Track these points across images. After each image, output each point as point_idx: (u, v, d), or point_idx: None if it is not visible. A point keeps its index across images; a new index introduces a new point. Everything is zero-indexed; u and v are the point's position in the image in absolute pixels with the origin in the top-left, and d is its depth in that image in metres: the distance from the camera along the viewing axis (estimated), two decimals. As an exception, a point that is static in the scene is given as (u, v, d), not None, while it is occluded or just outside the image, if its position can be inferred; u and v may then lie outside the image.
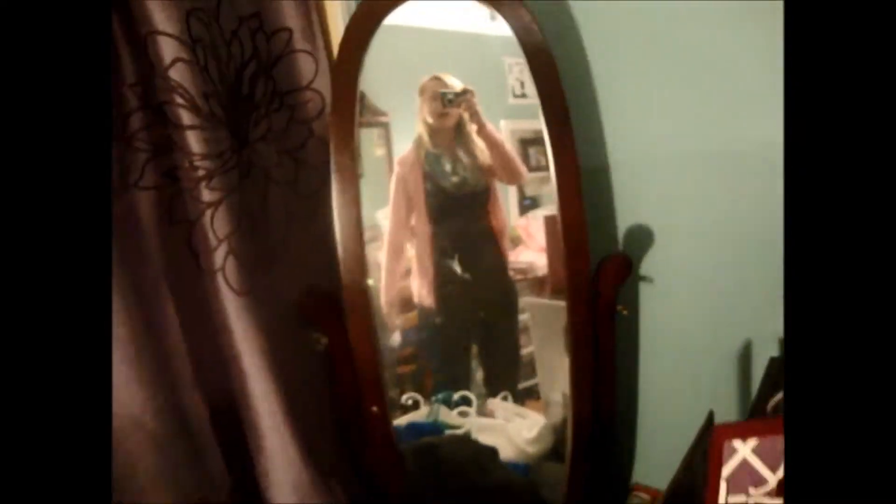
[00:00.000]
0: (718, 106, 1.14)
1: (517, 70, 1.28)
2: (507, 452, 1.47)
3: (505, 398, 1.49)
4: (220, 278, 1.15)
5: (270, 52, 1.21)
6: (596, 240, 1.26)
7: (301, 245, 1.30)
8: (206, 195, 1.11)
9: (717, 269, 1.22)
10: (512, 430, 1.50)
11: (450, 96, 1.24)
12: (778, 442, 0.74)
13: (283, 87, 1.24)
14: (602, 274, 1.22)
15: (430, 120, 1.26)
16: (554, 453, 1.46)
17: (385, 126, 1.30)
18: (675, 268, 1.28)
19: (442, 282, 1.35)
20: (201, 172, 1.10)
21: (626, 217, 1.31)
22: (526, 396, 1.49)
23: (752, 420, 0.77)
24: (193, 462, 1.18)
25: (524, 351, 1.48)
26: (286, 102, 1.25)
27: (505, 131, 1.31)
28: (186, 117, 1.06)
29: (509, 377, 1.48)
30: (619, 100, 1.25)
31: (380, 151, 1.30)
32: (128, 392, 1.06)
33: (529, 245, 1.38)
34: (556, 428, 1.45)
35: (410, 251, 1.33)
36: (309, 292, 1.24)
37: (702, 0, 1.09)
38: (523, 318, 1.44)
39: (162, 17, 1.00)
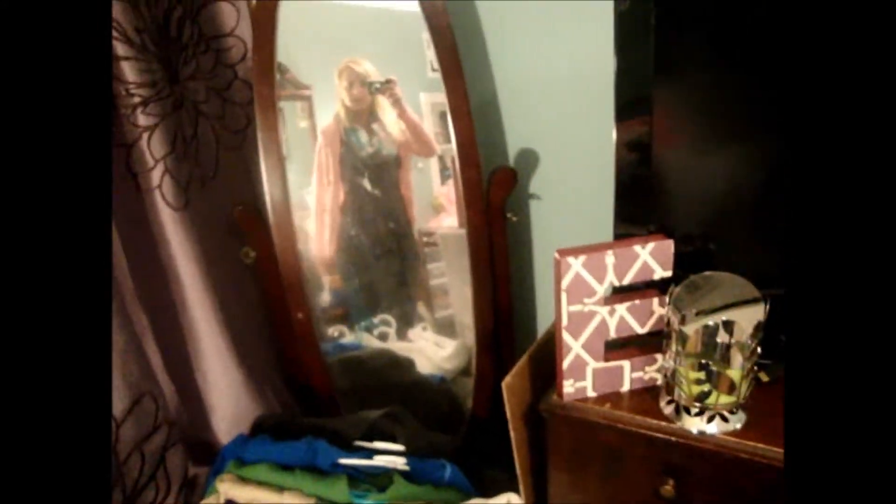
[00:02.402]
0: (588, 35, 1.35)
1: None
2: (425, 368, 1.65)
3: (424, 328, 1.67)
4: (157, 195, 1.31)
5: (194, 0, 1.38)
6: (491, 163, 1.47)
7: (231, 169, 1.47)
8: (142, 120, 1.27)
9: (590, 179, 1.44)
10: (429, 350, 1.68)
11: (376, 85, 1.42)
12: (602, 258, 0.96)
13: (207, 31, 1.41)
14: (491, 184, 1.43)
15: (347, 101, 1.44)
16: (468, 370, 1.64)
17: (308, 99, 1.45)
18: (556, 180, 1.50)
19: (357, 237, 1.54)
20: (136, 99, 1.26)
21: (515, 140, 1.52)
22: (443, 326, 1.67)
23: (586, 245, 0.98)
24: (138, 364, 1.31)
25: (438, 284, 1.66)
26: (211, 46, 1.42)
27: (425, 104, 1.48)
28: (121, 49, 1.22)
29: (426, 310, 1.65)
30: (506, 34, 1.45)
31: (303, 123, 1.45)
32: None
33: (450, 211, 1.55)
34: (470, 349, 1.63)
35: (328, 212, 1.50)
36: (237, 208, 1.41)
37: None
38: (438, 263, 1.61)
39: (97, -41, 1.16)
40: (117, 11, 1.20)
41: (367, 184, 1.52)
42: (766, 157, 1.01)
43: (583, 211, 1.47)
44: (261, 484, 1.33)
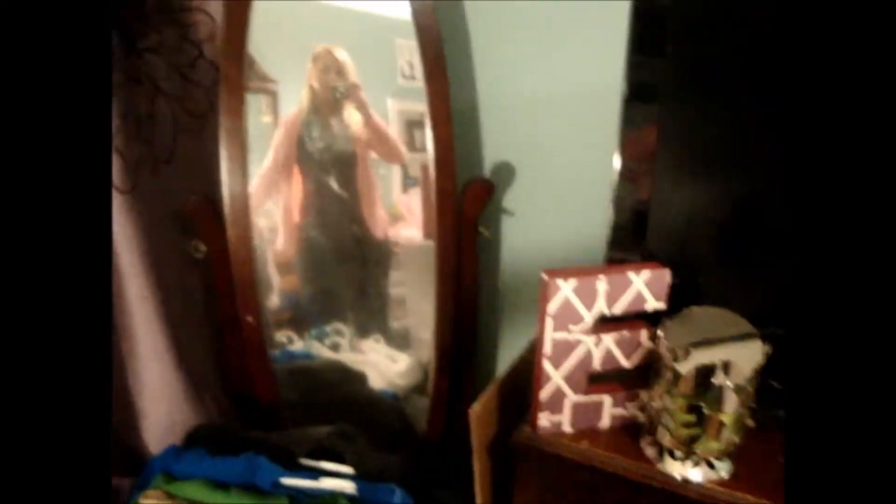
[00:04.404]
0: (571, 54, 1.30)
1: (407, 52, 1.37)
2: (377, 383, 1.56)
3: (377, 340, 1.58)
4: (103, 173, 1.18)
5: (161, -35, 1.26)
6: (464, 173, 1.39)
7: (188, 155, 1.35)
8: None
9: (566, 197, 1.38)
10: (382, 364, 1.59)
11: (340, 90, 1.34)
12: (594, 283, 0.89)
13: (173, 2, 1.29)
14: (466, 195, 1.35)
15: (316, 86, 1.34)
16: (422, 388, 1.55)
17: (273, 94, 1.36)
18: (533, 197, 1.43)
19: (309, 234, 1.44)
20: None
21: (491, 153, 1.45)
22: (397, 339, 1.58)
23: (575, 267, 0.90)
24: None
25: (395, 294, 1.57)
26: (177, 20, 1.30)
27: (392, 111, 1.41)
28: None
29: (381, 321, 1.56)
30: (490, 46, 1.38)
31: (266, 118, 1.35)
32: None
33: (410, 221, 1.48)
34: (425, 365, 1.55)
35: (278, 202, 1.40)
36: (192, 198, 1.30)
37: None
38: (397, 273, 1.52)
39: None
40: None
41: (326, 181, 1.42)
42: (770, 193, 0.96)
43: (558, 230, 1.41)
44: (191, 502, 1.21)
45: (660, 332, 0.88)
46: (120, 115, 1.19)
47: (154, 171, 1.29)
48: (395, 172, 1.46)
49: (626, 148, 0.94)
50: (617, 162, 0.94)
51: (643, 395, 0.96)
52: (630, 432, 0.97)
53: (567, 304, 0.88)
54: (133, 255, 1.24)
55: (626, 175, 0.95)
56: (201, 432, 1.35)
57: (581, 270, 0.89)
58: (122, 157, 1.20)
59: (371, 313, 1.56)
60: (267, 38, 1.28)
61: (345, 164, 1.41)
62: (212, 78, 1.36)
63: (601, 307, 0.90)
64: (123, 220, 1.22)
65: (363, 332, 1.55)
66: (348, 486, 1.26)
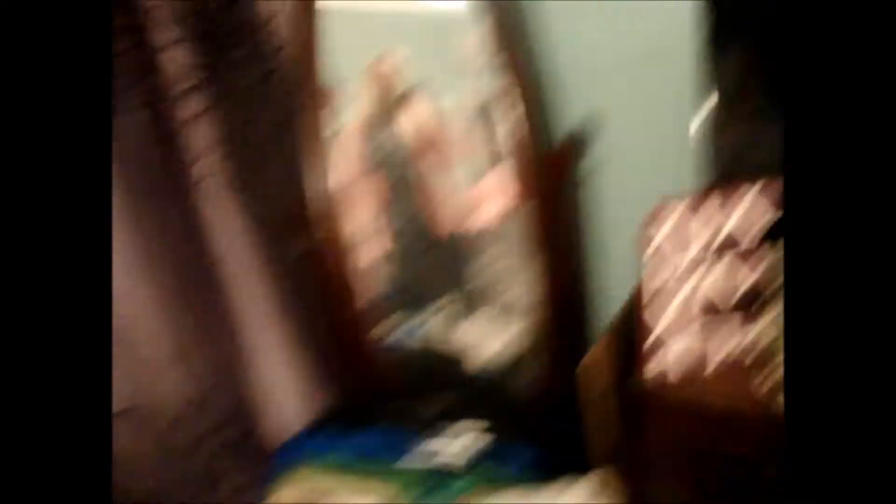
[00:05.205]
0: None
1: (468, 45, 1.37)
2: (484, 357, 1.59)
3: (482, 314, 1.61)
4: (211, 182, 1.27)
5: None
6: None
7: (280, 160, 1.42)
8: (192, 108, 1.23)
9: (651, 151, 1.36)
10: (492, 336, 1.62)
11: (398, 92, 1.39)
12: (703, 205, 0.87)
13: (253, 19, 1.36)
14: (552, 161, 1.36)
15: (375, 90, 1.41)
16: (535, 352, 1.56)
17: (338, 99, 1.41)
18: (619, 154, 1.42)
19: (396, 225, 1.50)
20: (184, 87, 1.22)
21: (569, 118, 1.45)
22: (503, 310, 1.61)
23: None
24: (182, 363, 1.27)
25: (493, 270, 1.60)
26: (253, 38, 1.37)
27: (456, 102, 1.43)
28: (175, 33, 1.19)
29: (482, 296, 1.59)
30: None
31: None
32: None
33: (492, 200, 1.48)
34: (534, 331, 1.56)
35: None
36: (300, 195, 1.36)
37: None
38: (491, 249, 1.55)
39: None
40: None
41: (396, 176, 1.48)
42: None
43: (646, 182, 1.38)
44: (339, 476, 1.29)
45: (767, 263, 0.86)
46: (219, 126, 1.27)
47: (256, 175, 1.36)
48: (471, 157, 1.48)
49: (721, 81, 0.91)
50: (709, 101, 0.92)
51: (752, 333, 0.94)
52: (739, 374, 0.95)
53: (677, 230, 0.88)
54: (245, 251, 1.32)
55: (721, 113, 0.93)
56: (326, 415, 1.43)
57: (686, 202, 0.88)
58: (227, 163, 1.28)
59: (472, 290, 1.60)
60: (331, 45, 1.34)
61: (411, 163, 1.46)
62: (288, 89, 1.42)
63: (707, 236, 0.89)
64: (234, 222, 1.30)
65: (467, 308, 1.59)
66: (479, 448, 1.29)
